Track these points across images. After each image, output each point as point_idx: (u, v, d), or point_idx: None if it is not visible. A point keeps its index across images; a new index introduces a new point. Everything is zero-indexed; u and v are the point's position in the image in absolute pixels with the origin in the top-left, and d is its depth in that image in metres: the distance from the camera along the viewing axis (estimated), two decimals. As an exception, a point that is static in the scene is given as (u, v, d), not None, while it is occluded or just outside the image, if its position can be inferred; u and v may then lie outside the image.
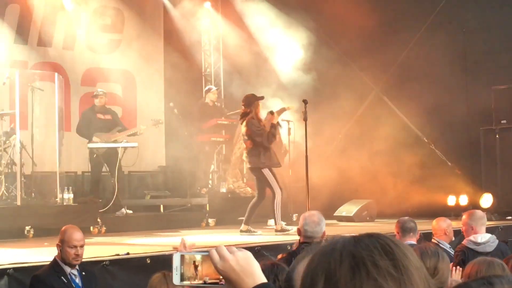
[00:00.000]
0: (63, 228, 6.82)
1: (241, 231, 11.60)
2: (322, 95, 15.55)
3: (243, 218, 12.26)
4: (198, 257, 2.13)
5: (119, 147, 13.50)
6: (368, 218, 14.61)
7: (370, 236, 1.71)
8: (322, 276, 1.67)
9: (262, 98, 11.90)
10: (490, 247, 7.65)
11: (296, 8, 15.66)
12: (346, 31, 15.74)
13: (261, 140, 11.51)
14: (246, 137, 11.61)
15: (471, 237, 7.75)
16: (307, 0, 15.91)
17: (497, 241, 7.81)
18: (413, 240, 7.67)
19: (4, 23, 14.70)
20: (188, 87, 16.07)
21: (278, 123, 11.88)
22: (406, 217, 8.12)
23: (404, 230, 7.77)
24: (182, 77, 16.14)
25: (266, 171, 11.60)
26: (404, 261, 1.66)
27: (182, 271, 2.13)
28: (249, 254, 2.06)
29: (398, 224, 7.87)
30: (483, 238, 7.72)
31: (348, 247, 1.68)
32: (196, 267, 2.13)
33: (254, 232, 11.54)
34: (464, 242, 7.79)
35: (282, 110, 12.70)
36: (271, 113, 11.81)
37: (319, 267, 1.69)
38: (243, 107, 11.78)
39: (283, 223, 11.70)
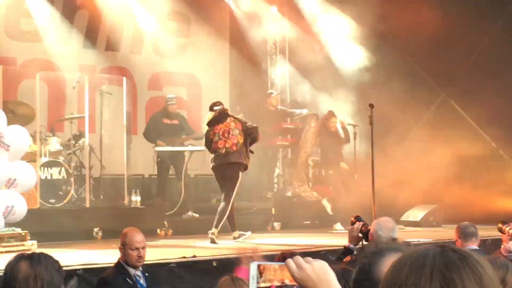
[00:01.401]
0: (124, 231, 6.89)
1: (213, 234, 10.91)
2: (389, 99, 15.42)
3: (308, 222, 12.18)
4: (275, 266, 2.17)
5: (185, 151, 13.63)
6: (434, 224, 14.44)
7: (459, 254, 1.77)
8: None
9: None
10: None
11: (362, 11, 15.57)
12: (412, 35, 15.60)
13: (257, 136, 11.35)
14: (238, 131, 11.16)
15: None
16: (373, 3, 15.77)
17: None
18: (474, 245, 7.51)
19: (73, 28, 14.96)
20: (254, 91, 16.10)
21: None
22: (467, 222, 7.89)
23: (466, 235, 7.59)
24: (248, 81, 16.20)
25: (241, 175, 11.29)
26: (490, 286, 1.73)
27: (258, 280, 2.17)
28: (325, 264, 2.13)
29: (459, 230, 7.69)
30: None
31: (439, 266, 1.74)
32: (271, 275, 2.17)
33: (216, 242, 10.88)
34: None
35: None
36: None
37: (408, 281, 1.75)
38: (222, 106, 11.42)
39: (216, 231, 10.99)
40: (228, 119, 11.27)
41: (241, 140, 11.20)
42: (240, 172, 11.23)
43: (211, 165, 11.41)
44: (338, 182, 14.34)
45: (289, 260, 2.12)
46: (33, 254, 4.24)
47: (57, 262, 4.18)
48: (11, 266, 4.12)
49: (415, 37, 15.73)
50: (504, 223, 8.21)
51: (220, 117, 11.27)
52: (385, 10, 15.51)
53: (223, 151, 11.15)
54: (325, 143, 14.53)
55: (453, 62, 15.86)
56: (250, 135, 11.29)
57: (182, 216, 13.44)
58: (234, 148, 11.15)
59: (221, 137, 11.16)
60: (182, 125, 14.16)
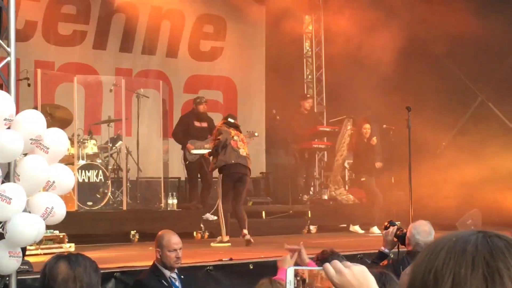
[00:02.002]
0: (160, 233, 6.92)
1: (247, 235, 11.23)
2: (425, 102, 15.31)
3: (344, 225, 11.99)
4: (322, 274, 2.13)
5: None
6: (472, 227, 14.26)
7: (505, 240, 1.64)
8: (449, 278, 1.62)
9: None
10: None
11: (397, 13, 15.48)
12: (449, 36, 15.48)
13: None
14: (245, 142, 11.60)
15: None
16: (409, 4, 15.68)
17: None
18: None
19: (110, 32, 15.05)
20: (290, 94, 16.07)
21: None
22: None
23: None
24: (284, 84, 16.16)
25: None
26: None
27: (295, 285, 2.14)
28: (364, 268, 2.08)
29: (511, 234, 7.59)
30: None
31: (482, 253, 1.61)
32: (306, 281, 2.15)
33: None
34: None
35: None
36: None
37: (446, 267, 1.63)
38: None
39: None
40: (242, 134, 11.57)
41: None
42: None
43: (227, 161, 11.31)
44: (373, 187, 14.24)
45: (327, 265, 2.06)
46: (71, 254, 4.26)
47: (94, 262, 4.20)
48: (50, 267, 4.14)
49: (451, 38, 15.60)
50: None
51: (237, 125, 11.53)
52: (422, 11, 15.42)
53: (244, 153, 11.33)
54: (358, 151, 14.40)
55: (491, 64, 15.68)
56: None
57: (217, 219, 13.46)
58: (246, 152, 11.41)
59: (240, 141, 11.28)
60: (210, 128, 14.14)
